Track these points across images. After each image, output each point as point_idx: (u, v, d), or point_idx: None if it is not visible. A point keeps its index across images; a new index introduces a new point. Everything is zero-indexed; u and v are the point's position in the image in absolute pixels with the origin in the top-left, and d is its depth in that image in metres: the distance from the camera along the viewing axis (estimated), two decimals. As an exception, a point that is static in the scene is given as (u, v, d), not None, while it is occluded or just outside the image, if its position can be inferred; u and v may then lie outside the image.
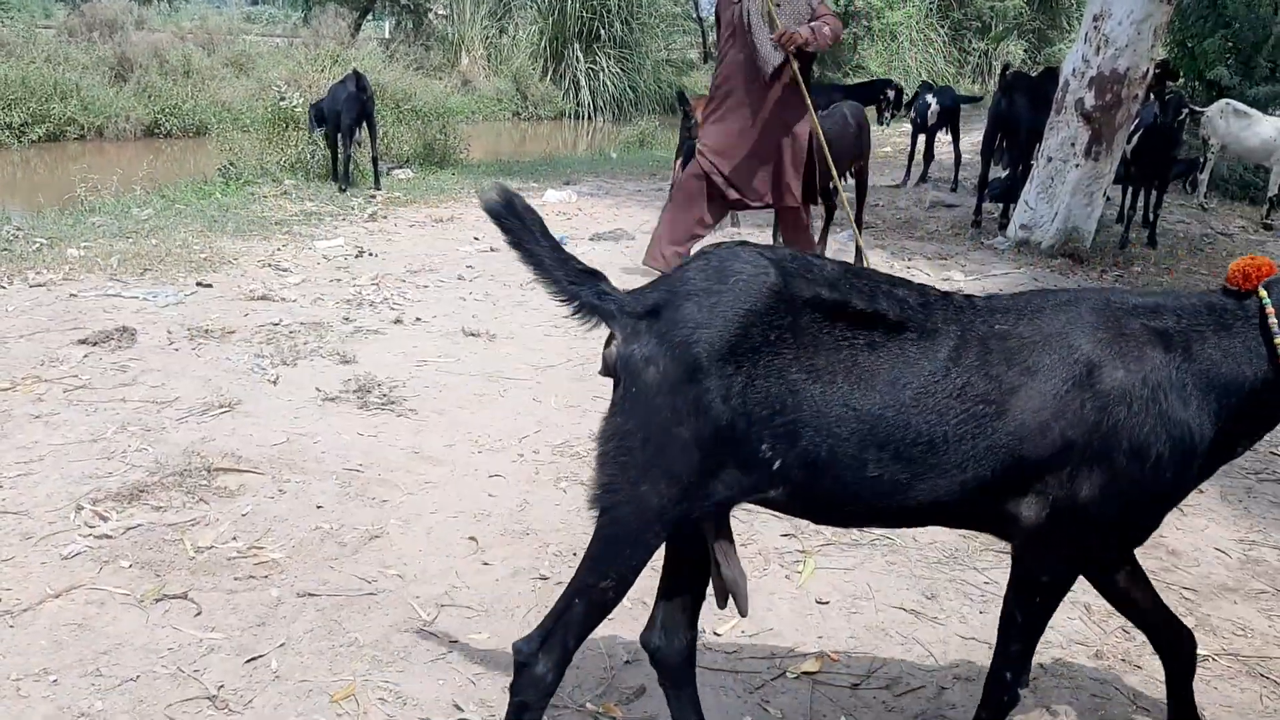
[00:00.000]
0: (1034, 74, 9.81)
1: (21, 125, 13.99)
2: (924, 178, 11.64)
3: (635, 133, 16.69)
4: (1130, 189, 8.72)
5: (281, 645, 2.63)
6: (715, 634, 2.81)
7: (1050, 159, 7.96)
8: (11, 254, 6.37)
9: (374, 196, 9.43)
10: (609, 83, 23.00)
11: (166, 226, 7.49)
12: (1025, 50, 32.83)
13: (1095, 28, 7.63)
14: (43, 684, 2.42)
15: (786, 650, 2.77)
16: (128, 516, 3.19)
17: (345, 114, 9.27)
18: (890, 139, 17.16)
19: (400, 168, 11.48)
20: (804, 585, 3.10)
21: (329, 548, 3.11)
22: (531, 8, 26.24)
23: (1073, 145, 7.80)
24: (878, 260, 7.52)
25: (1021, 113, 8.52)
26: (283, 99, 17.74)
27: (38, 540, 3.04)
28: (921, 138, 11.46)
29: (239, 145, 11.11)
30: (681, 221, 5.96)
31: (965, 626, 2.93)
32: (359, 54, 21.10)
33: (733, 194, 5.85)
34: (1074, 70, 7.79)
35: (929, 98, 11.16)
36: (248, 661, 2.56)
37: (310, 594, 2.86)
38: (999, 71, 9.47)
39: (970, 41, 32.13)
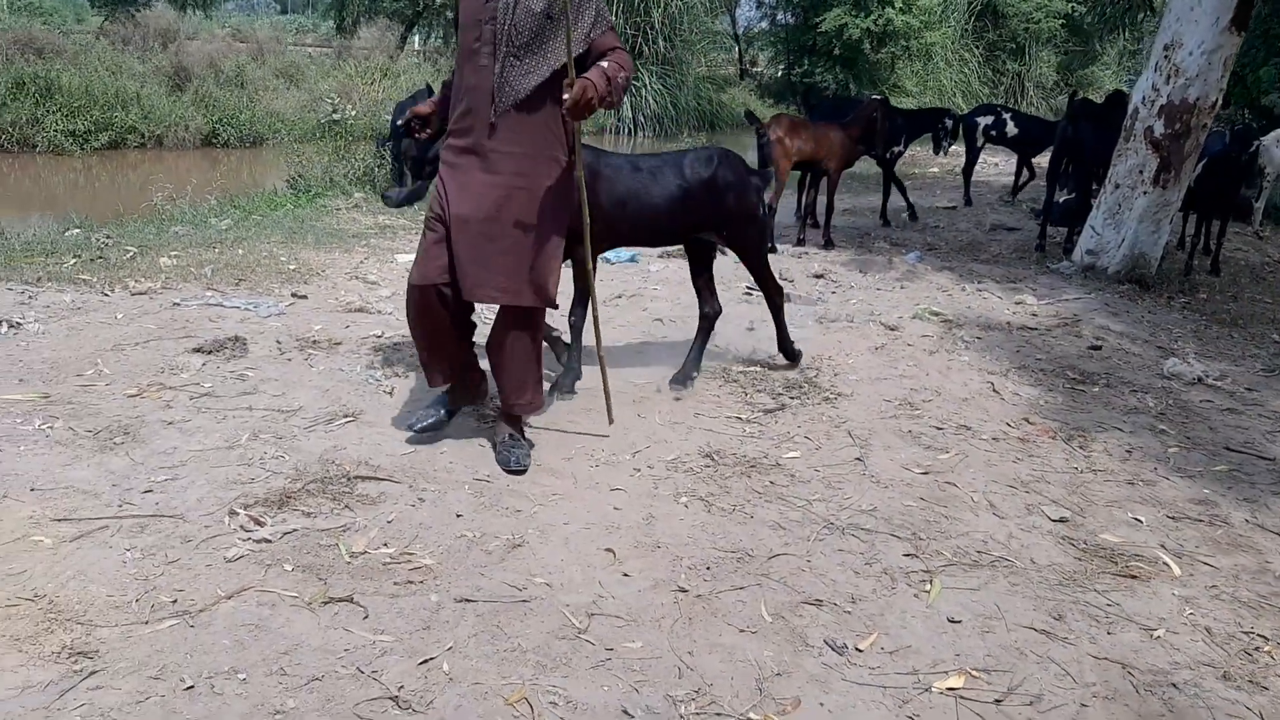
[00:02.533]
0: (1099, 100, 9.86)
1: (85, 133, 14.26)
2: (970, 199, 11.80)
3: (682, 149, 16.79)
4: (1195, 216, 8.78)
5: (450, 649, 2.74)
6: (858, 649, 2.91)
7: (1118, 186, 8.03)
8: (107, 262, 6.54)
9: (441, 210, 9.59)
10: (651, 99, 23.20)
11: (249, 238, 7.65)
12: (1058, 71, 32.93)
13: (1166, 57, 7.71)
14: (233, 682, 2.54)
15: (927, 666, 2.86)
16: (281, 521, 3.32)
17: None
18: (937, 160, 17.23)
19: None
20: (933, 604, 3.19)
21: (476, 555, 3.23)
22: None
23: (1141, 173, 7.87)
24: (946, 281, 7.60)
25: (1087, 139, 8.59)
26: (335, 111, 17.97)
27: (198, 544, 3.17)
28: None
29: (306, 157, 11.27)
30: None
31: (1096, 647, 3.01)
32: (406, 66, 21.40)
33: (465, 284, 3.76)
34: (1144, 98, 7.86)
35: (977, 117, 11.38)
36: (421, 664, 2.67)
37: (467, 600, 2.98)
38: (1068, 98, 9.53)
39: (1004, 62, 32.24)
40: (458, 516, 3.44)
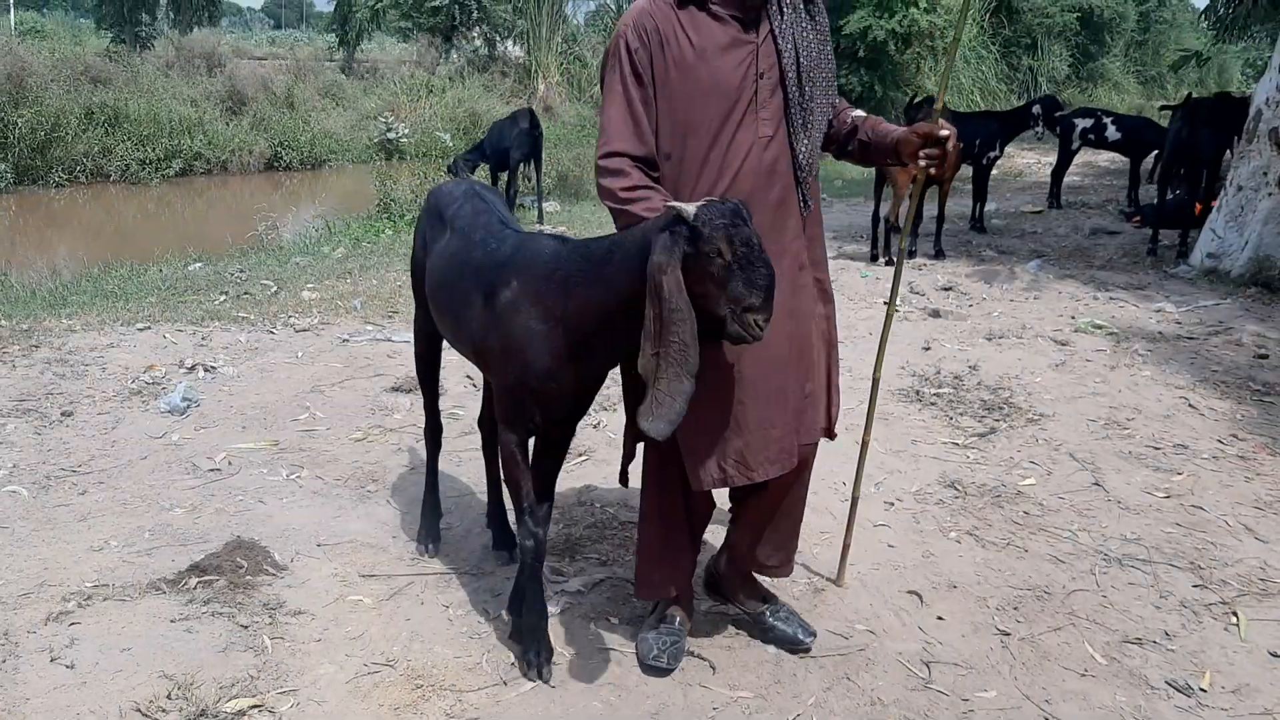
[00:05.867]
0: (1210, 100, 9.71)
1: (158, 160, 14.23)
2: (1059, 202, 11.72)
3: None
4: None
5: (813, 704, 2.71)
6: (1201, 689, 2.86)
7: (1240, 188, 7.98)
8: (254, 299, 6.53)
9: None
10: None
11: (371, 266, 7.65)
12: (1070, 65, 32.97)
13: (1290, 58, 7.66)
14: None
15: (1277, 705, 2.82)
16: (580, 571, 3.29)
17: (516, 150, 9.45)
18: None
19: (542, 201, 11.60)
20: (1247, 638, 3.14)
21: (785, 600, 3.19)
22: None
23: (1264, 174, 7.81)
24: (1075, 290, 7.55)
25: (1202, 140, 8.54)
26: (389, 130, 17.91)
27: (507, 596, 3.14)
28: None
29: (395, 178, 11.16)
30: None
31: None
32: (445, 82, 21.38)
33: (740, 467, 2.66)
34: (1267, 100, 7.81)
35: (1076, 119, 11.27)
36: (792, 720, 2.64)
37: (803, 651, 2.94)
38: (1182, 98, 9.47)
39: (1019, 58, 32.25)
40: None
